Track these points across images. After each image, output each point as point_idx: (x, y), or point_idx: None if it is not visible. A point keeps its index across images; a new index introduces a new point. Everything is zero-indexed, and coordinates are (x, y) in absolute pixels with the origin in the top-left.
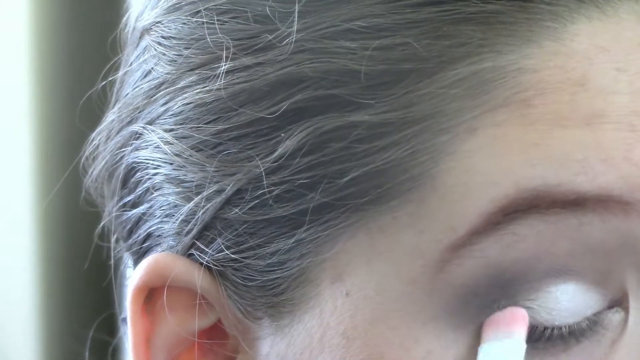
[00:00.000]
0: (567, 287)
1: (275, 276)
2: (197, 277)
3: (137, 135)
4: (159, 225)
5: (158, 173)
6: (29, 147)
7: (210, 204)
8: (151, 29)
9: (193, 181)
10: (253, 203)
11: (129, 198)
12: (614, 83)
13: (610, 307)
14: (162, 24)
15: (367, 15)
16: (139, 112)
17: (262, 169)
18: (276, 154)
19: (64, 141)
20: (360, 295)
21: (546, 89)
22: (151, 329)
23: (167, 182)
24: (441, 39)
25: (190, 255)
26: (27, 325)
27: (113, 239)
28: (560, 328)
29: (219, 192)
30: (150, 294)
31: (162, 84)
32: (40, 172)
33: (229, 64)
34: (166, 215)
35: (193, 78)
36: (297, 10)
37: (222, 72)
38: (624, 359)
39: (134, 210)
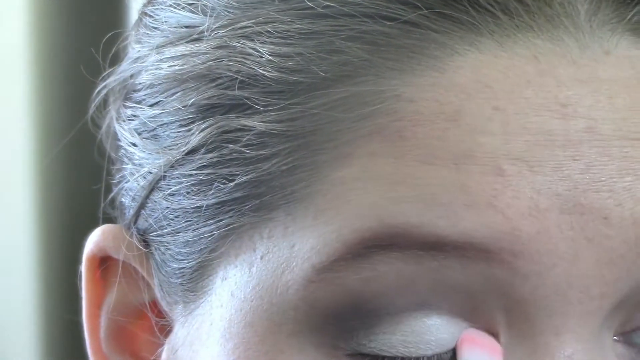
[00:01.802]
0: (429, 320)
1: (182, 265)
2: (121, 251)
3: (118, 109)
4: (122, 199)
5: (123, 148)
6: (29, 147)
7: (144, 184)
8: (140, 14)
9: (137, 160)
10: (170, 190)
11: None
12: (487, 122)
13: None
14: (145, 11)
15: (277, 20)
16: (121, 87)
17: (174, 159)
18: (186, 146)
19: (63, 141)
20: (240, 298)
21: (420, 121)
22: (103, 297)
23: (126, 158)
24: (332, 54)
25: (133, 231)
26: (27, 326)
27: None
28: None
29: (150, 173)
30: (105, 262)
31: (135, 59)
32: (41, 172)
33: (171, 49)
34: (124, 189)
35: (150, 60)
36: (225, 4)
37: (165, 57)
38: None
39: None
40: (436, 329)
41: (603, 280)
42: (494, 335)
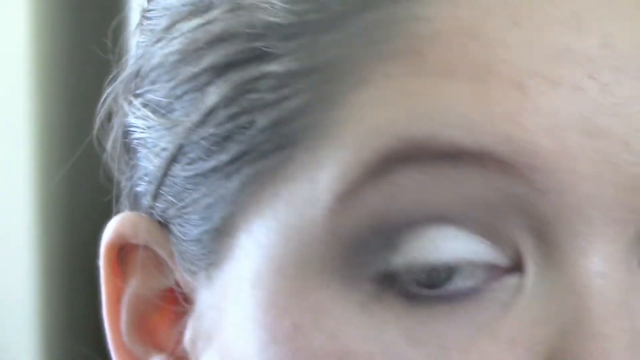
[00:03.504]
0: (447, 230)
1: (204, 228)
2: (141, 235)
3: (129, 103)
4: (138, 188)
5: (135, 138)
6: (29, 147)
7: (161, 162)
8: (141, 15)
9: (152, 142)
10: (188, 159)
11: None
12: (506, 37)
13: (508, 270)
14: (147, 9)
15: None
16: (129, 82)
17: (192, 123)
18: (204, 106)
19: (64, 141)
20: (267, 245)
21: (438, 39)
22: (123, 288)
23: (140, 147)
24: None
25: (152, 215)
26: (27, 325)
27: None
28: (438, 285)
29: (165, 149)
30: (123, 253)
31: (140, 55)
32: (41, 172)
33: (183, 25)
34: (139, 178)
35: (159, 44)
36: None
37: (176, 34)
38: (518, 321)
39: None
40: (454, 238)
41: (625, 206)
42: (518, 260)
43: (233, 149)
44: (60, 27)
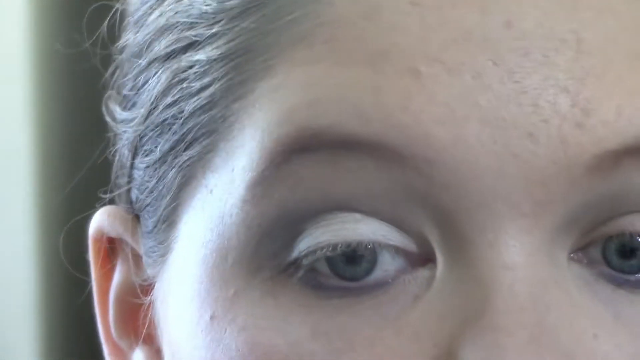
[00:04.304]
0: (352, 216)
1: (154, 220)
2: (117, 228)
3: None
4: (118, 181)
5: (113, 132)
6: (29, 147)
7: (127, 154)
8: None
9: (123, 134)
10: (145, 149)
11: None
12: (404, 19)
13: (422, 262)
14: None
15: None
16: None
17: (143, 113)
18: (150, 97)
19: (64, 141)
20: (195, 237)
21: (340, 23)
22: (109, 281)
23: (118, 140)
24: None
25: (130, 208)
26: (27, 325)
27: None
28: (348, 276)
29: (129, 141)
30: (112, 247)
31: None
32: (41, 172)
33: (147, 18)
34: (119, 171)
35: (128, 37)
36: None
37: (135, 22)
38: (424, 315)
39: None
40: (356, 221)
41: (533, 199)
42: (429, 254)
43: (170, 139)
44: (60, 28)
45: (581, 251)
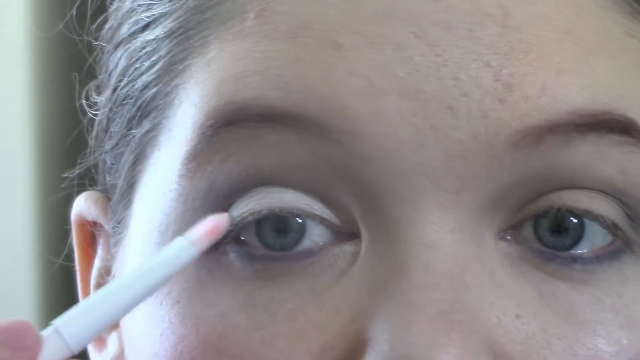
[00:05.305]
0: (277, 188)
1: (116, 199)
2: (94, 208)
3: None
4: (98, 165)
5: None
6: (29, 147)
7: (101, 137)
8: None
9: (100, 119)
10: (110, 131)
11: None
12: None
13: (350, 236)
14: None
15: None
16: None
17: (108, 95)
18: (113, 79)
19: (64, 141)
20: (141, 216)
21: None
22: (90, 267)
23: (98, 127)
24: None
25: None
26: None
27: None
28: (279, 247)
29: (100, 125)
30: (96, 232)
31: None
32: (41, 172)
33: (122, 4)
34: (96, 153)
35: (111, 17)
36: None
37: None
38: (346, 290)
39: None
40: (282, 192)
41: (454, 174)
42: (355, 229)
43: (125, 117)
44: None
45: (512, 229)
